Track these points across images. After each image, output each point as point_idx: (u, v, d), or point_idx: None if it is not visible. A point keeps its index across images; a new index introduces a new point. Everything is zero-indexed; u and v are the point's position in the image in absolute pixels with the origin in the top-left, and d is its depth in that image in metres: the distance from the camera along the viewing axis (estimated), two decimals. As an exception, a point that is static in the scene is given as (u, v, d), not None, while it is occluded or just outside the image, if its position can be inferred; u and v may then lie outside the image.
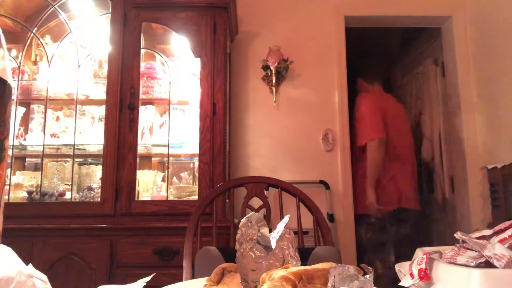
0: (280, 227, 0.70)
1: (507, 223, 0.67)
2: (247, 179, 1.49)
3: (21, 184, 2.20)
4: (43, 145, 2.14)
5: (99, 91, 2.31)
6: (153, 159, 2.52)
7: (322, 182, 2.62)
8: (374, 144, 2.53)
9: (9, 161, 1.92)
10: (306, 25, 2.84)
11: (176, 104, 2.36)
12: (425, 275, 0.64)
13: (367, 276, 0.51)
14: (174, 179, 2.40)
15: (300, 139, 2.71)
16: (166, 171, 2.32)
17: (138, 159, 2.12)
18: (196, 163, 2.29)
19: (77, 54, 2.19)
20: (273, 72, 2.68)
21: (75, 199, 2.15)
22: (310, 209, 1.41)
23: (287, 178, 2.06)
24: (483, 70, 2.68)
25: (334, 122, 2.73)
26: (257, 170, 2.64)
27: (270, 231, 0.69)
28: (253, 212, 0.72)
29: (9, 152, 2.05)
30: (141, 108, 2.22)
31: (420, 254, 0.70)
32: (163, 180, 2.37)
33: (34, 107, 2.38)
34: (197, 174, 2.18)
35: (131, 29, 2.16)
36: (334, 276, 0.51)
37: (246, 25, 2.82)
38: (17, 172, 2.30)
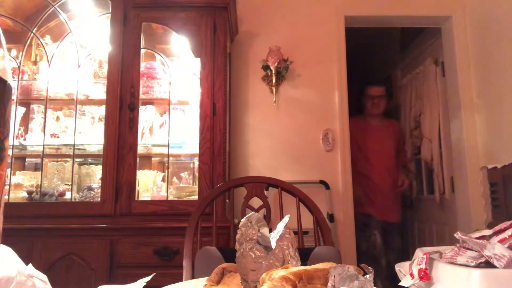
0: (280, 227, 0.70)
1: (507, 223, 0.67)
2: (247, 179, 1.49)
3: (21, 184, 2.20)
4: (43, 145, 2.14)
5: (99, 91, 2.31)
6: (153, 159, 2.52)
7: (322, 182, 2.62)
8: None
9: (9, 161, 1.92)
10: (306, 25, 2.84)
11: (176, 104, 2.36)
12: (425, 275, 0.64)
13: (367, 276, 0.51)
14: (174, 179, 2.40)
15: (300, 139, 2.71)
16: (166, 171, 2.32)
17: (138, 159, 2.12)
18: (196, 163, 2.29)
19: (77, 54, 2.19)
20: (273, 72, 2.68)
21: (75, 199, 2.15)
22: (310, 209, 1.41)
23: (287, 178, 2.06)
24: (483, 70, 2.68)
25: (334, 122, 2.73)
26: (257, 170, 2.64)
27: (270, 231, 0.69)
28: (253, 212, 0.72)
29: (9, 152, 2.05)
30: (141, 108, 2.22)
31: (420, 254, 0.70)
32: (163, 180, 2.37)
33: (34, 107, 2.38)
34: (197, 174, 2.18)
35: (131, 29, 2.16)
36: (334, 276, 0.51)
37: (246, 25, 2.81)
38: (17, 172, 2.30)
